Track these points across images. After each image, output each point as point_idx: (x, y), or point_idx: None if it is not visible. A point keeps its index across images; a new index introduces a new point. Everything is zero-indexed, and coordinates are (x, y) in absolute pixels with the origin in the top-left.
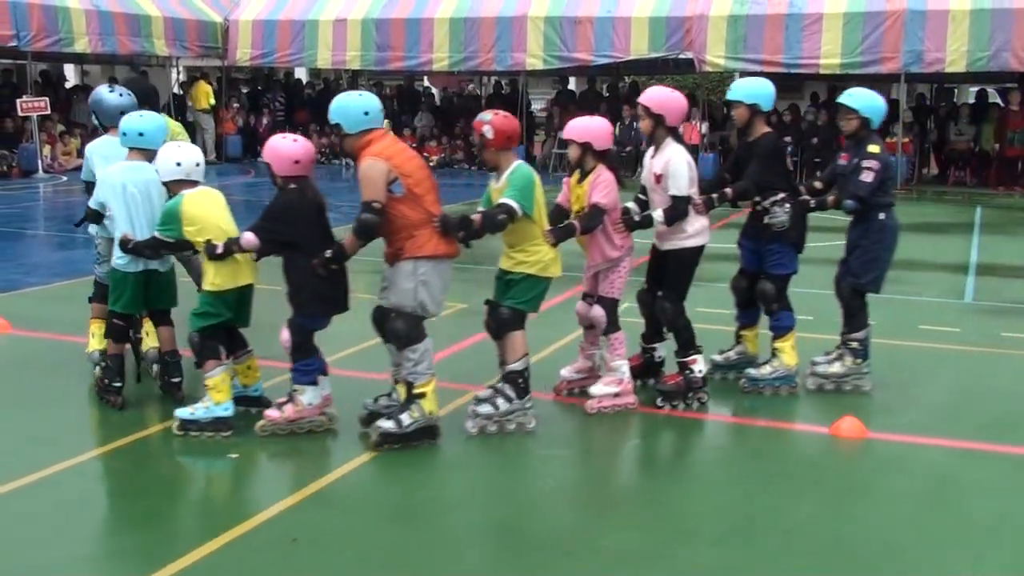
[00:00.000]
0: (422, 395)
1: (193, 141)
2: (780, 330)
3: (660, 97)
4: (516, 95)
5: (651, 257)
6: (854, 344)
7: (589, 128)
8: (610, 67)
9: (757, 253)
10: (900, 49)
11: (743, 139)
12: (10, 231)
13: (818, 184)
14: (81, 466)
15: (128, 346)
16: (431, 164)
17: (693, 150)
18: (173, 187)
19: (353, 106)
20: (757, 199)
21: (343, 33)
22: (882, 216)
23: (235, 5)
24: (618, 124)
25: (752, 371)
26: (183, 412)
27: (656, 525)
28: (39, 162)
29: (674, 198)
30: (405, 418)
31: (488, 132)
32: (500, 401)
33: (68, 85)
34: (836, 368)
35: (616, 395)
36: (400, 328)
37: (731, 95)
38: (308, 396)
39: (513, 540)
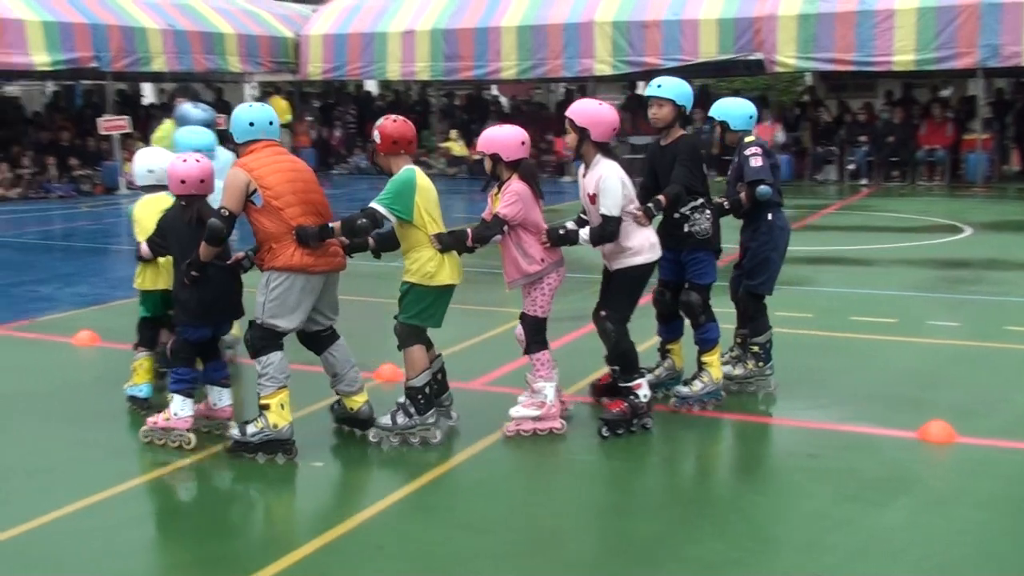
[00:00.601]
0: (267, 407)
1: None
2: (708, 343)
3: (585, 110)
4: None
5: (603, 277)
6: (755, 348)
7: (496, 139)
8: (679, 70)
9: (677, 263)
10: (976, 43)
11: (656, 143)
12: (96, 247)
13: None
14: (166, 477)
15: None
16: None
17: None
18: (147, 191)
19: (241, 117)
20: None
21: (412, 44)
22: (770, 216)
23: (306, 20)
24: (689, 127)
25: (682, 388)
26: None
27: (739, 533)
28: (120, 179)
29: (604, 217)
30: (250, 428)
31: (376, 136)
32: (400, 416)
33: (145, 103)
34: (739, 371)
35: (537, 419)
36: (251, 338)
37: (661, 92)
38: (176, 406)
39: (594, 549)
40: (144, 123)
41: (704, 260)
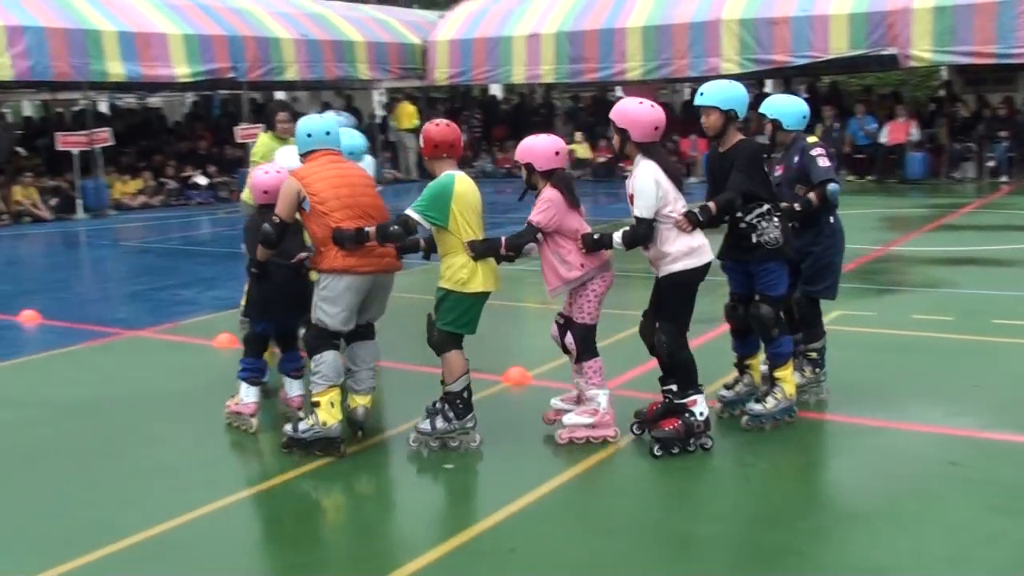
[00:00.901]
0: (317, 404)
1: (395, 160)
2: (780, 357)
3: (625, 111)
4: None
5: (653, 286)
6: (812, 355)
7: (531, 148)
8: (808, 67)
9: (747, 274)
10: None
11: (714, 149)
12: (234, 251)
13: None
14: (302, 478)
15: None
16: (626, 175)
17: (899, 149)
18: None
19: (301, 130)
20: (740, 215)
21: (536, 47)
22: (832, 219)
23: (433, 26)
24: (818, 126)
25: (755, 406)
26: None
27: (894, 543)
28: None
29: (636, 219)
30: (302, 425)
31: (420, 140)
32: (439, 421)
33: None
34: (796, 379)
35: (591, 426)
36: (306, 337)
37: (703, 101)
38: (242, 392)
39: (730, 556)
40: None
41: (775, 271)
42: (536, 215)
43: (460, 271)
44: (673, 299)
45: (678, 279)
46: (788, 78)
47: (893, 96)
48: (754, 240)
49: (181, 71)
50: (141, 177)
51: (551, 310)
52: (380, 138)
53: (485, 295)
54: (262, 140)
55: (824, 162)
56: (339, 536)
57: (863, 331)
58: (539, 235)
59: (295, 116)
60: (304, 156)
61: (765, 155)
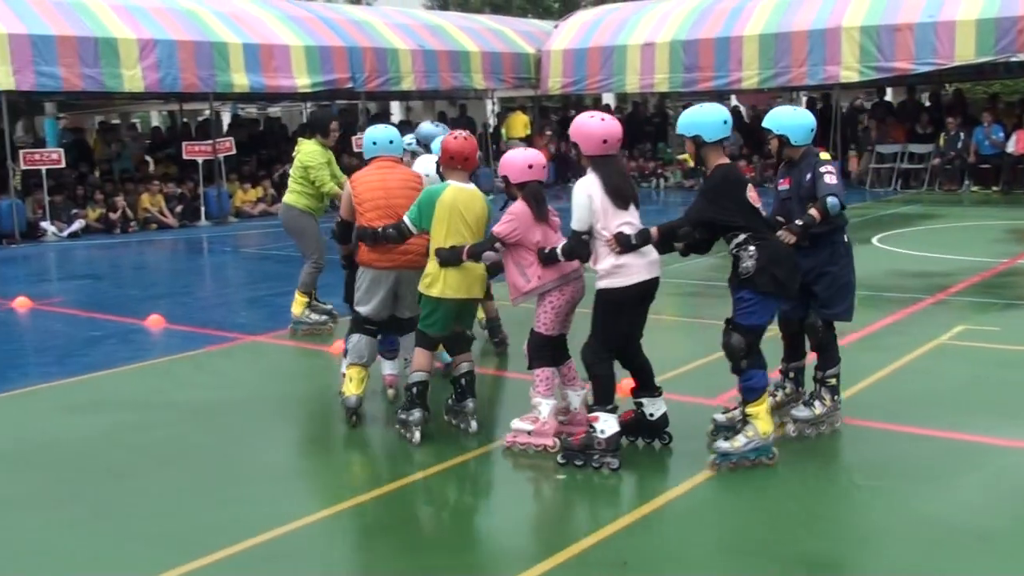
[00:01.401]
0: (344, 375)
1: None
2: (751, 392)
3: (575, 125)
4: (829, 109)
5: None
6: (832, 381)
7: (506, 163)
8: (931, 75)
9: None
10: None
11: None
12: None
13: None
14: (413, 484)
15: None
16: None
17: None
18: None
19: (367, 138)
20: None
21: (651, 56)
22: (846, 238)
23: (547, 36)
24: (943, 135)
25: (722, 444)
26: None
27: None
28: None
29: (571, 232)
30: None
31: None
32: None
33: (395, 120)
34: (818, 409)
35: (530, 433)
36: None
37: (678, 130)
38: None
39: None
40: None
41: (748, 299)
42: (499, 226)
43: (427, 275)
44: (597, 314)
45: (603, 296)
46: (911, 86)
47: (1021, 104)
48: (739, 268)
49: (302, 81)
50: (261, 185)
51: (662, 320)
52: (492, 148)
53: (451, 300)
54: (314, 148)
55: (831, 179)
56: (448, 545)
57: (987, 347)
58: (500, 246)
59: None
60: (368, 161)
61: (742, 181)
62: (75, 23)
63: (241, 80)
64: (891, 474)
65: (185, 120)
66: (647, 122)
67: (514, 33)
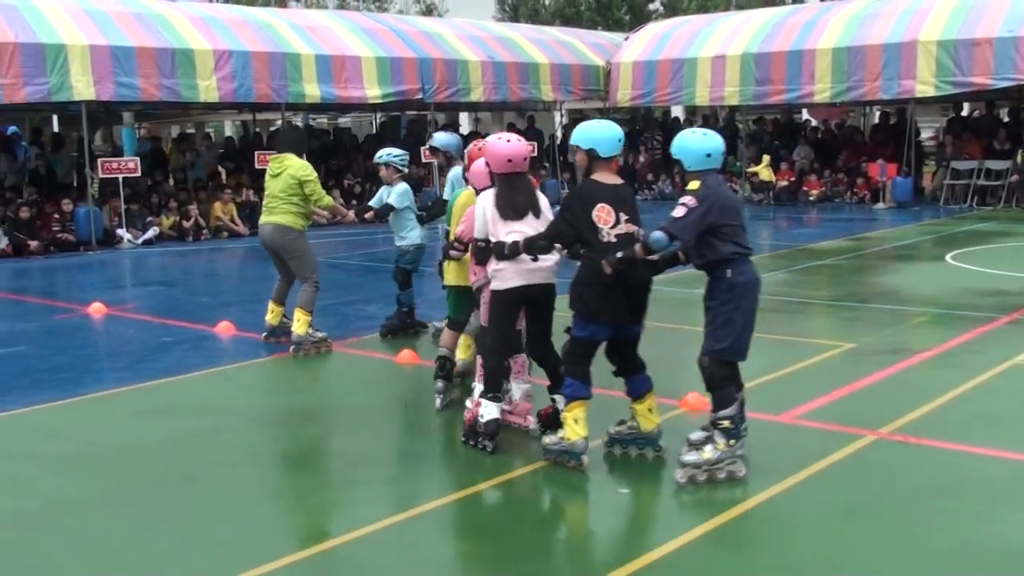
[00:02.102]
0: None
1: (573, 181)
2: (564, 398)
3: (486, 143)
4: (903, 124)
5: None
6: (724, 423)
7: (473, 174)
8: (1010, 91)
9: None
10: None
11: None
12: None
13: None
14: (476, 495)
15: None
16: (811, 199)
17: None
18: None
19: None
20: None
21: (722, 69)
22: (728, 272)
23: (617, 48)
24: (1021, 151)
25: (545, 438)
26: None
27: None
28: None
29: (472, 242)
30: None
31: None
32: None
33: (463, 132)
34: (707, 454)
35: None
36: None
37: (572, 140)
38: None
39: None
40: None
41: (576, 312)
42: (459, 226)
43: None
44: (490, 312)
45: (492, 296)
46: (990, 101)
47: None
48: None
49: (372, 92)
50: (331, 195)
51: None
52: (560, 159)
53: (455, 287)
54: (305, 162)
55: (677, 212)
56: (506, 556)
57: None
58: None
59: None
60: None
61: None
62: (154, 35)
63: (313, 91)
64: (960, 496)
65: (257, 130)
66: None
67: (584, 45)
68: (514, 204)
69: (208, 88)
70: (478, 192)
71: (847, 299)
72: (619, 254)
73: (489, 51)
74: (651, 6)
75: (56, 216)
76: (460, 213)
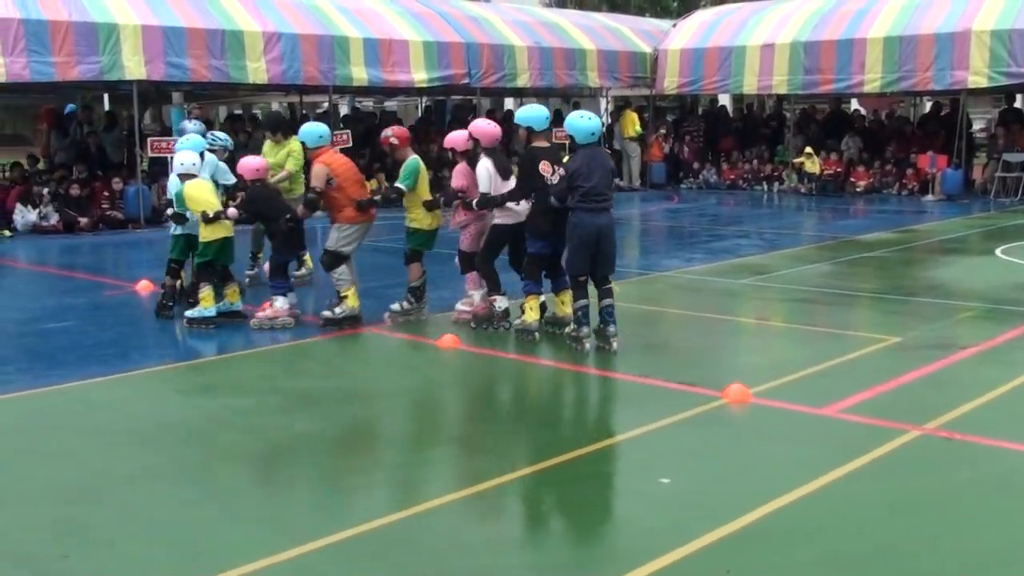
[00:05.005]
0: (345, 296)
1: (618, 168)
2: (525, 294)
3: (475, 127)
4: (954, 115)
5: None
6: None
7: (451, 140)
8: None
9: None
10: None
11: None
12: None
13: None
14: (519, 480)
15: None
16: (858, 190)
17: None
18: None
19: (313, 132)
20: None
21: (770, 57)
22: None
23: (665, 35)
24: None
25: (515, 321)
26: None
27: None
28: None
29: (480, 192)
30: (337, 309)
31: (394, 140)
32: (404, 304)
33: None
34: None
35: (470, 310)
36: (326, 260)
37: (516, 119)
38: (278, 302)
39: None
40: (506, 137)
41: (528, 236)
42: (452, 180)
43: (424, 218)
44: (491, 237)
45: (494, 228)
46: None
47: None
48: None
49: (419, 76)
50: (376, 178)
51: (773, 326)
52: (606, 146)
53: (436, 229)
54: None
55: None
56: (547, 541)
57: None
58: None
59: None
60: (314, 149)
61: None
62: (205, 16)
63: (360, 74)
64: (1008, 494)
65: (304, 112)
66: (764, 124)
67: (631, 31)
68: (506, 169)
69: (257, 70)
70: (461, 155)
71: (893, 292)
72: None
73: (536, 36)
74: None
75: (106, 194)
76: (423, 177)
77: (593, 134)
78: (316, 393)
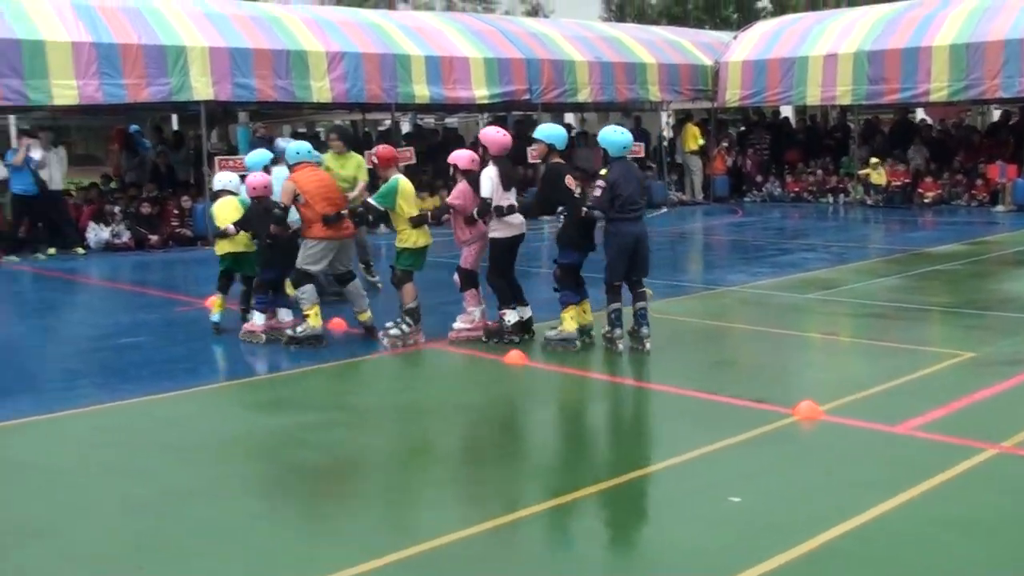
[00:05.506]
0: (307, 316)
1: (681, 182)
2: (562, 305)
3: (485, 135)
4: None
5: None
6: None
7: (455, 156)
8: None
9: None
10: None
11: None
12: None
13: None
14: (583, 499)
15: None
16: (925, 201)
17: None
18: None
19: (291, 150)
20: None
21: (833, 68)
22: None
23: (726, 47)
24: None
25: (547, 332)
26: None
27: None
28: None
29: (480, 199)
30: (299, 328)
31: (375, 159)
32: (403, 327)
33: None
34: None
35: (469, 329)
36: (294, 277)
37: (535, 135)
38: (256, 317)
39: None
40: (569, 151)
41: (562, 248)
42: (451, 198)
43: (409, 236)
44: (493, 252)
45: (496, 242)
46: None
47: None
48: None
49: (480, 93)
50: (439, 194)
51: (841, 342)
52: (667, 160)
53: (424, 248)
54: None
55: (596, 192)
56: (621, 561)
57: None
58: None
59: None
60: (293, 167)
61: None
62: (270, 36)
63: (422, 91)
64: None
65: (367, 130)
66: (828, 135)
67: (691, 44)
68: (511, 178)
69: (321, 89)
70: (462, 173)
71: (965, 306)
72: (584, 209)
73: (596, 51)
74: (759, 3)
75: (176, 212)
76: (406, 195)
77: (625, 147)
78: (383, 409)
